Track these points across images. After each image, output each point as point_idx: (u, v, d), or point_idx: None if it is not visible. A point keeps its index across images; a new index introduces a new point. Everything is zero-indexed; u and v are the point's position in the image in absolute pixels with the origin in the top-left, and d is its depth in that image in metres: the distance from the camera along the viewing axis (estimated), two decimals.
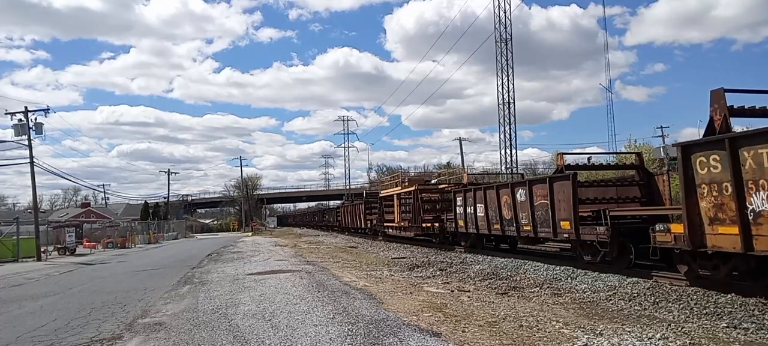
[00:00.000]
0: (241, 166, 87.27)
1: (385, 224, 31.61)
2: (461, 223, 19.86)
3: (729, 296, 8.54)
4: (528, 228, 14.75)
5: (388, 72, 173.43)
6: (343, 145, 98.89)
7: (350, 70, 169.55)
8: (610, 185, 14.75)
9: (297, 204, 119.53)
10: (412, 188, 26.21)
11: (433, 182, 28.41)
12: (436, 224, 23.03)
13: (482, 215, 17.85)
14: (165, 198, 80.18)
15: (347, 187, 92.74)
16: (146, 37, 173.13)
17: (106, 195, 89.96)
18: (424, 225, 24.13)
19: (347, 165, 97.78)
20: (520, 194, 15.14)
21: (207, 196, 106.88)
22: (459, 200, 20.03)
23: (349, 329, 7.15)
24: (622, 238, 11.95)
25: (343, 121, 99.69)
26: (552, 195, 13.45)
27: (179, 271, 17.81)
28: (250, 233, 63.87)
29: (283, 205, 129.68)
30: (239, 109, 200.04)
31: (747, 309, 7.75)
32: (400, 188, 29.00)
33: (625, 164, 16.42)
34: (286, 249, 26.80)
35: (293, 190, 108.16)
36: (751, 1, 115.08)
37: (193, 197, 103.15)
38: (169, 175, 76.30)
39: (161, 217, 69.35)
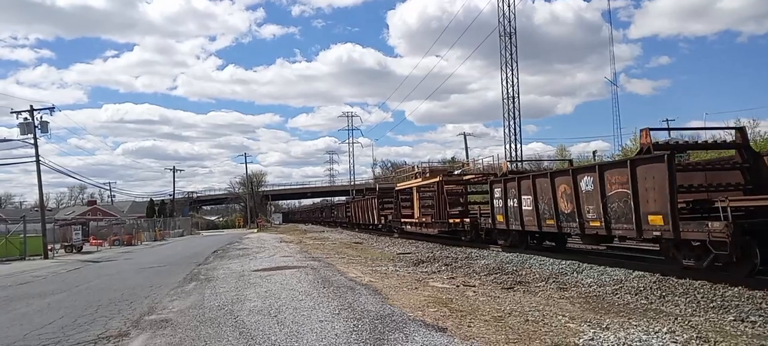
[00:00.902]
0: (246, 162, 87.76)
1: (402, 220, 29.03)
2: (500, 218, 17.00)
3: (736, 289, 8.49)
4: (596, 224, 12.14)
5: (392, 67, 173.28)
6: (347, 141, 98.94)
7: (353, 66, 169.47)
8: (698, 168, 12.03)
9: (302, 200, 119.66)
10: (436, 179, 23.66)
11: (456, 172, 26.17)
12: (467, 220, 20.32)
13: (530, 208, 15.09)
14: (170, 195, 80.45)
15: (352, 183, 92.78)
16: (150, 34, 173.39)
17: (112, 193, 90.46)
18: (450, 221, 21.63)
19: (352, 161, 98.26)
20: (586, 183, 12.51)
21: (212, 193, 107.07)
22: (497, 192, 17.15)
23: (354, 325, 7.16)
24: (746, 236, 9.23)
25: (347, 117, 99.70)
26: (635, 183, 10.75)
27: (185, 268, 17.87)
28: (255, 230, 64.04)
29: (288, 201, 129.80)
30: (243, 106, 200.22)
31: (754, 302, 7.70)
32: (420, 179, 26.52)
33: (723, 143, 12.69)
34: (292, 245, 26.84)
35: (298, 186, 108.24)
36: None
37: (198, 194, 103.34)
38: (174, 172, 76.60)
39: (167, 214, 69.62)
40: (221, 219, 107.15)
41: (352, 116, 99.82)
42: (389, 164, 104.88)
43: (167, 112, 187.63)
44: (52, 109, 32.78)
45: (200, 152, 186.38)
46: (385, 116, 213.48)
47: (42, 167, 31.94)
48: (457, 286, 10.87)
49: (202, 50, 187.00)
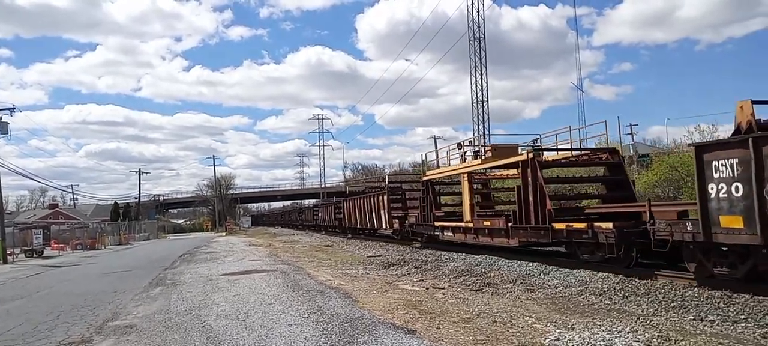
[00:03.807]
0: (214, 165, 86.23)
1: (436, 225, 20.05)
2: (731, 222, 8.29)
3: (696, 289, 8.77)
4: None
5: (362, 71, 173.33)
6: (317, 143, 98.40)
7: (323, 69, 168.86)
8: None
9: (271, 203, 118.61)
10: (516, 157, 15.20)
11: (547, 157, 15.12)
12: (607, 228, 11.12)
13: None
14: (136, 198, 78.81)
15: (322, 185, 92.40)
16: (114, 34, 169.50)
17: (75, 196, 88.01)
18: (556, 227, 12.63)
19: (322, 163, 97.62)
20: None
21: (179, 196, 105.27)
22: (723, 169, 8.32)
23: (323, 328, 7.14)
24: None
25: (318, 119, 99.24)
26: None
27: (151, 272, 17.51)
28: (223, 233, 63.18)
29: (257, 204, 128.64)
30: (210, 108, 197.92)
31: (713, 302, 7.97)
32: (476, 161, 17.77)
33: None
34: (261, 249, 26.57)
35: (267, 189, 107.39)
36: (713, 3, 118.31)
37: (165, 197, 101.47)
38: (139, 175, 75.09)
39: (132, 218, 68.10)
40: (188, 222, 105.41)
41: (322, 119, 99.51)
42: (360, 167, 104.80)
43: (132, 113, 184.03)
44: (12, 109, 31.88)
45: (167, 154, 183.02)
46: (355, 119, 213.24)
47: (1, 169, 30.96)
48: (427, 288, 10.93)
49: (168, 51, 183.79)
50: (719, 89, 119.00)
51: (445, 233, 19.49)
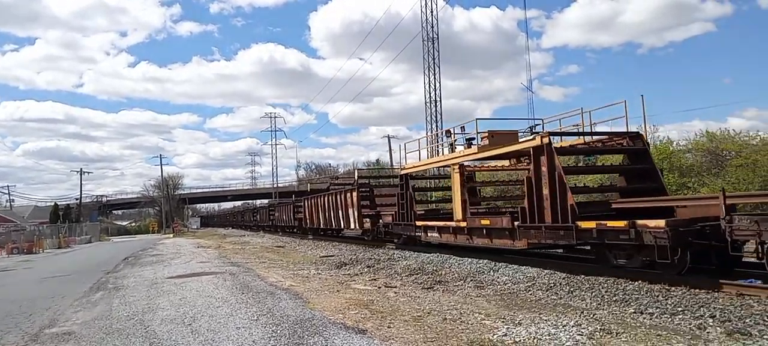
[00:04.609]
0: (161, 164, 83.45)
1: (418, 224, 17.72)
2: None
3: (637, 283, 9.11)
4: None
5: (315, 69, 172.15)
6: (269, 142, 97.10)
7: (275, 67, 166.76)
8: None
9: (222, 204, 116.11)
10: (531, 143, 12.17)
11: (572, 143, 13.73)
12: (657, 226, 9.27)
13: None
14: (77, 199, 75.52)
15: (275, 185, 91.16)
16: (54, 28, 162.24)
17: (11, 197, 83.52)
18: (581, 226, 10.58)
19: (275, 162, 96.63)
20: None
21: (124, 197, 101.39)
22: None
23: (273, 330, 7.02)
24: None
25: (270, 118, 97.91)
26: None
27: (92, 276, 16.79)
28: (171, 235, 61.37)
29: (207, 205, 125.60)
30: (158, 105, 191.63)
31: (652, 295, 8.30)
32: (473, 150, 14.85)
33: None
34: (210, 250, 25.95)
35: (218, 189, 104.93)
36: (655, 8, 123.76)
37: (108, 198, 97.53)
38: (81, 175, 72.02)
39: (73, 219, 65.27)
40: (134, 224, 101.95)
41: (274, 117, 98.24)
42: (313, 166, 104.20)
43: (73, 110, 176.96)
44: None
45: (111, 153, 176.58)
46: (308, 118, 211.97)
47: None
48: (379, 288, 10.93)
49: (112, 46, 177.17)
50: (661, 91, 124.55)
51: (429, 234, 17.12)
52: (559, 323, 6.78)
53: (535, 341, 6.12)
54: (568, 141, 13.71)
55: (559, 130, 14.04)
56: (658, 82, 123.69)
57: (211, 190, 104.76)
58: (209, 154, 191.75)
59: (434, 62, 46.97)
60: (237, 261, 18.48)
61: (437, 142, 16.90)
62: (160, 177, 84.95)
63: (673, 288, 8.52)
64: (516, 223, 12.48)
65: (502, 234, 13.29)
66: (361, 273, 13.58)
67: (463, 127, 16.48)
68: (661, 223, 9.16)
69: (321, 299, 9.41)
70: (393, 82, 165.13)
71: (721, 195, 8.64)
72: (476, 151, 14.76)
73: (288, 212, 39.50)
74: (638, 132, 13.08)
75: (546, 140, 11.59)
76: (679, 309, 7.39)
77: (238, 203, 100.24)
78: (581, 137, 13.63)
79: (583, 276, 10.16)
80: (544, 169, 11.57)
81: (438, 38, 47.16)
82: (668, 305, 7.65)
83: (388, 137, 68.38)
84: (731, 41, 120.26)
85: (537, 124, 15.34)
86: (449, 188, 17.32)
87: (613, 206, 11.75)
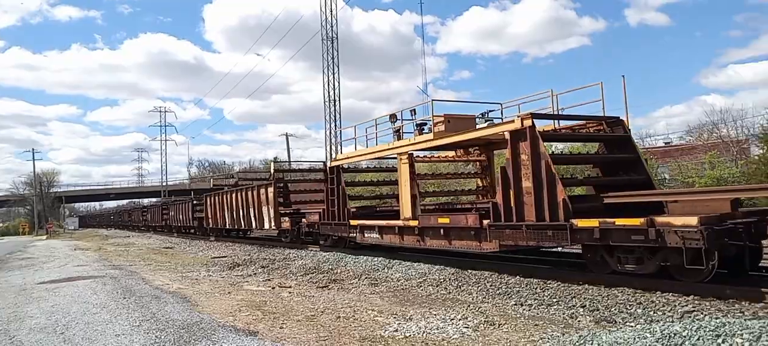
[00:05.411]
0: (34, 159, 76.21)
1: (354, 223, 15.26)
2: None
3: (517, 278, 9.71)
4: None
5: (209, 63, 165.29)
6: (159, 138, 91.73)
7: (166, 58, 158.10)
8: None
9: (104, 203, 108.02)
10: (510, 126, 10.41)
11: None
12: (687, 225, 7.82)
13: None
14: None
15: (164, 183, 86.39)
16: None
17: None
18: (578, 225, 9.08)
19: (164, 159, 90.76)
20: None
21: None
22: None
23: (156, 336, 6.65)
24: None
25: (159, 112, 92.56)
26: None
27: None
28: (44, 237, 56.12)
29: (87, 204, 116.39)
30: (31, 95, 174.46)
31: (531, 288, 8.88)
32: (429, 137, 12.99)
33: None
34: (89, 253, 24.05)
35: (100, 187, 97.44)
36: (539, 21, 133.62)
37: None
38: None
39: None
40: (2, 225, 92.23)
41: (164, 111, 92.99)
42: (207, 163, 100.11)
43: None
44: None
45: None
46: (202, 113, 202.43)
47: None
48: (273, 288, 10.75)
49: None
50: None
51: (366, 235, 14.76)
52: (448, 317, 7.07)
53: (424, 335, 6.33)
54: (541, 126, 11.01)
55: (538, 112, 11.34)
56: (542, 88, 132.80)
57: (92, 188, 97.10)
58: (90, 149, 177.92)
59: (334, 61, 46.93)
60: (119, 264, 17.31)
61: (393, 123, 14.32)
62: (33, 173, 77.51)
63: (548, 282, 9.17)
64: (485, 222, 10.59)
65: (466, 235, 11.29)
66: (255, 274, 13.26)
67: (413, 111, 14.34)
68: (692, 221, 7.56)
69: (210, 302, 9.07)
70: (292, 79, 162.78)
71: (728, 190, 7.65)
72: (432, 138, 12.83)
73: (185, 211, 36.70)
74: (619, 117, 11.26)
75: (528, 123, 9.74)
76: (554, 300, 7.97)
77: (124, 202, 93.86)
78: (557, 122, 11.94)
79: (470, 271, 10.65)
80: (523, 157, 9.81)
81: (337, 37, 47.18)
82: (545, 297, 8.22)
83: (287, 135, 67.24)
84: (601, 54, 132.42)
85: (491, 110, 13.78)
86: (388, 182, 16.02)
87: (606, 201, 9.75)
